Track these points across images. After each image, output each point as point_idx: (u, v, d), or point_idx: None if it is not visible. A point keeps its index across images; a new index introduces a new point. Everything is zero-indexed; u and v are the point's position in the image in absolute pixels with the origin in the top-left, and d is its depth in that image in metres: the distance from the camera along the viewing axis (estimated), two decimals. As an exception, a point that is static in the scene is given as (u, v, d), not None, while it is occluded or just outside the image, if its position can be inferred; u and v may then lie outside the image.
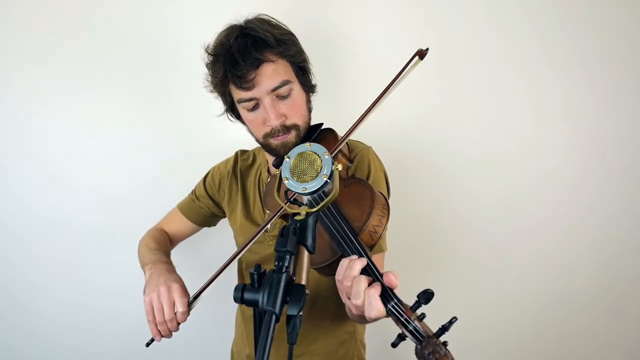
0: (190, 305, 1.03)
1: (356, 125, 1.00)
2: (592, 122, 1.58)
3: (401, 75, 1.00)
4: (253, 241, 1.03)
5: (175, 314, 1.01)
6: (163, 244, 1.29)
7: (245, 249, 1.02)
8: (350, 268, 0.79)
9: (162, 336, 1.03)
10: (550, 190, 1.63)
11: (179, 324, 1.03)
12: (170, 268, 1.13)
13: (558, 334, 1.74)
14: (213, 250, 1.57)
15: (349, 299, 0.79)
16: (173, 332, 1.04)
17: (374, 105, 1.01)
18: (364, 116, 1.00)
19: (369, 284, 0.78)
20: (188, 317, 1.03)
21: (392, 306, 0.77)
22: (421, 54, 1.03)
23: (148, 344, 1.06)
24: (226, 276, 1.39)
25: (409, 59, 1.02)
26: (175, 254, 1.44)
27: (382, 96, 1.01)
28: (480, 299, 1.70)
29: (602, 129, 1.59)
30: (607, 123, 1.59)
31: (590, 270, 1.69)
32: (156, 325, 1.02)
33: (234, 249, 1.12)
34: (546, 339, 1.75)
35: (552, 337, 1.74)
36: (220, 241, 1.54)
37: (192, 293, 1.05)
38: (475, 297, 1.69)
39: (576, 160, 1.61)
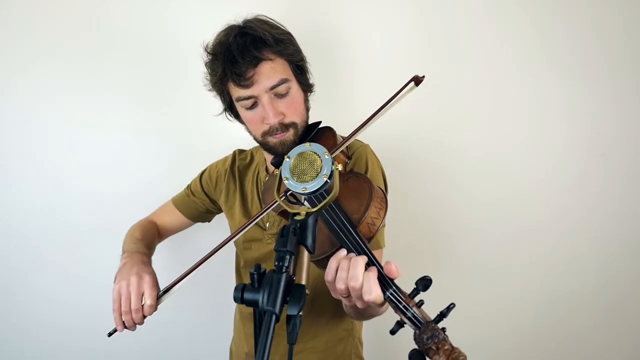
0: (159, 298, 1.00)
1: (342, 144, 1.00)
2: (592, 122, 1.58)
3: (394, 100, 0.97)
4: (245, 238, 1.03)
5: (142, 305, 0.99)
6: (149, 235, 1.29)
7: (227, 244, 1.00)
8: (354, 265, 0.78)
9: (126, 327, 1.01)
10: (550, 190, 1.63)
11: (144, 316, 1.00)
12: (146, 260, 1.12)
13: (558, 334, 1.74)
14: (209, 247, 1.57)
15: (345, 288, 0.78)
16: (137, 325, 1.01)
17: (362, 127, 0.98)
18: (351, 136, 0.99)
19: (366, 268, 0.78)
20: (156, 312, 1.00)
21: (391, 293, 0.77)
22: (417, 80, 0.98)
23: (110, 334, 1.03)
24: (225, 275, 1.40)
25: (404, 84, 0.97)
26: (170, 250, 1.44)
27: (371, 119, 0.98)
28: (480, 299, 1.70)
29: (602, 129, 1.59)
30: (607, 123, 1.59)
31: (590, 270, 1.69)
32: (121, 315, 1.00)
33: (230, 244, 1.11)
34: (546, 339, 1.75)
35: (552, 337, 1.74)
36: (216, 237, 1.54)
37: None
38: (474, 297, 1.69)
39: (576, 160, 1.61)
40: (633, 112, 1.58)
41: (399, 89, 0.97)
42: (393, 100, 0.97)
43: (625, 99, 1.57)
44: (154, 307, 1.00)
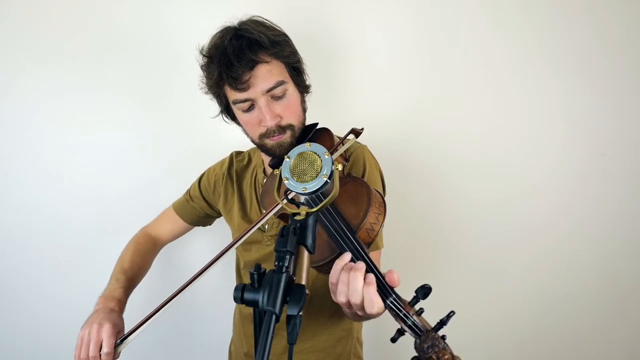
0: (117, 347, 1.04)
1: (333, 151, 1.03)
2: (592, 121, 1.58)
3: (338, 150, 1.04)
4: (245, 240, 1.03)
5: (100, 353, 1.03)
6: (141, 259, 1.30)
7: (215, 263, 1.02)
8: (354, 280, 0.77)
9: None
10: (550, 190, 1.62)
11: None
12: (115, 307, 1.14)
13: (558, 333, 1.74)
14: (208, 249, 1.57)
15: (345, 299, 0.79)
16: None
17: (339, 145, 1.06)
18: (339, 144, 1.05)
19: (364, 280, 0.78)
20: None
21: (391, 302, 0.78)
22: (356, 132, 1.07)
23: None
24: (225, 275, 1.40)
25: (345, 133, 1.08)
26: (168, 252, 1.44)
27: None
28: (480, 299, 1.70)
29: (602, 129, 1.59)
30: (607, 123, 1.59)
31: (590, 270, 1.69)
32: None
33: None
34: (546, 339, 1.75)
35: (551, 337, 1.74)
36: (215, 239, 1.54)
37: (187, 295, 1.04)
38: (474, 297, 1.69)
39: (576, 160, 1.61)
40: (633, 112, 1.58)
41: (341, 139, 1.08)
42: (338, 150, 1.04)
43: (626, 99, 1.57)
44: (112, 355, 1.04)
